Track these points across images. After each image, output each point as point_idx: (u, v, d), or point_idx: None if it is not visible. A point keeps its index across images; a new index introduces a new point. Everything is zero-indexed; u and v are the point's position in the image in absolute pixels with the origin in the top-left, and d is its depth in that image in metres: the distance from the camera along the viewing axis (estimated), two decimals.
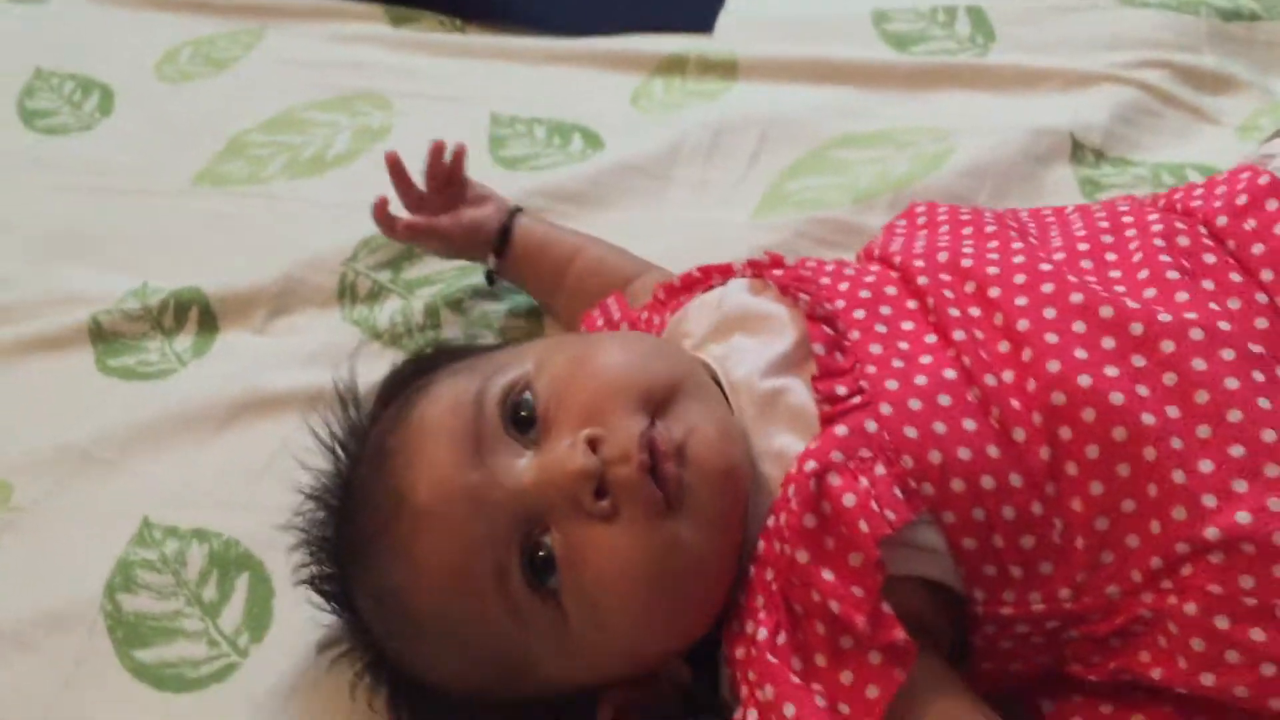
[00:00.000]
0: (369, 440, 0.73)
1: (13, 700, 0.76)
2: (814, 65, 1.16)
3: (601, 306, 0.88)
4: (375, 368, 0.82)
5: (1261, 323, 0.68)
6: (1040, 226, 0.77)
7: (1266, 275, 0.70)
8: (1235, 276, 0.70)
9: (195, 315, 0.99)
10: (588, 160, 1.10)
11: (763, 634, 0.64)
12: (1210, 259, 0.71)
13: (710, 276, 0.82)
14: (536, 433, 0.68)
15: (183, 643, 0.79)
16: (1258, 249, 0.70)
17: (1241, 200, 0.73)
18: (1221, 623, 0.62)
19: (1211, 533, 0.62)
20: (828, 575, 0.63)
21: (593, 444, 0.66)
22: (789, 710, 0.62)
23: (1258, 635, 0.61)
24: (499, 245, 0.96)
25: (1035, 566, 0.65)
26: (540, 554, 0.66)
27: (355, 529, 0.71)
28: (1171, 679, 0.63)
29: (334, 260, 1.02)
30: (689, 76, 1.19)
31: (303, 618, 0.78)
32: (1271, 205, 0.71)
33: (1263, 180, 0.73)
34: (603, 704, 0.70)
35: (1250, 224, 0.71)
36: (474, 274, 0.99)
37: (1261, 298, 0.69)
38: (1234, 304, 0.68)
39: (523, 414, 0.69)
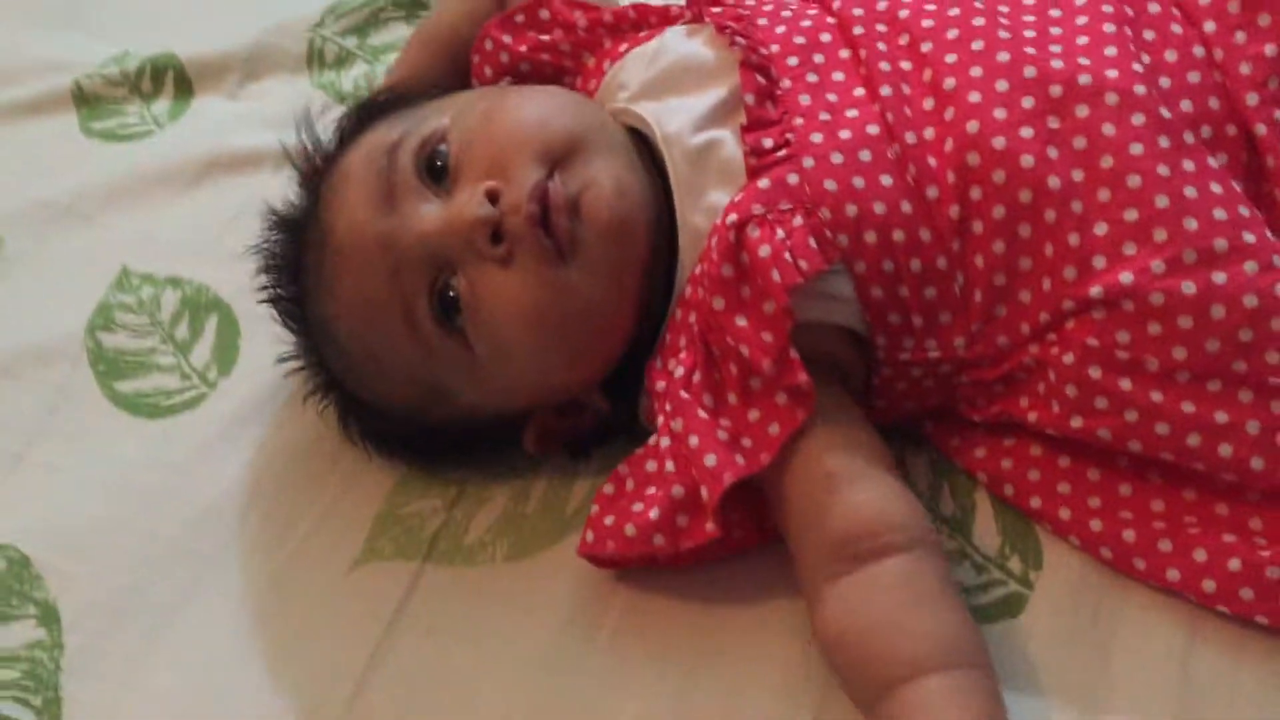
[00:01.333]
0: (315, 180, 0.78)
1: (2, 424, 0.84)
2: None
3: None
4: None
5: (1194, 76, 0.69)
6: None
7: (1209, 26, 0.71)
8: (1176, 28, 0.71)
9: (171, 80, 1.03)
10: None
11: (680, 371, 0.70)
12: (1155, 8, 0.72)
13: (646, 18, 0.83)
14: (448, 182, 0.72)
15: (157, 376, 0.86)
16: None
17: None
18: (1094, 372, 0.66)
19: (1095, 291, 0.65)
20: (741, 321, 0.67)
21: (491, 195, 0.69)
22: (693, 441, 0.67)
23: (1125, 385, 0.66)
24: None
25: (935, 316, 0.70)
26: (449, 294, 0.71)
27: (298, 262, 0.76)
28: (1044, 421, 0.69)
29: (302, 26, 1.04)
30: None
31: (266, 355, 0.84)
32: None
33: None
34: (529, 426, 0.76)
35: None
36: None
37: (1199, 51, 0.70)
38: (1171, 56, 0.70)
39: (438, 164, 0.72)
